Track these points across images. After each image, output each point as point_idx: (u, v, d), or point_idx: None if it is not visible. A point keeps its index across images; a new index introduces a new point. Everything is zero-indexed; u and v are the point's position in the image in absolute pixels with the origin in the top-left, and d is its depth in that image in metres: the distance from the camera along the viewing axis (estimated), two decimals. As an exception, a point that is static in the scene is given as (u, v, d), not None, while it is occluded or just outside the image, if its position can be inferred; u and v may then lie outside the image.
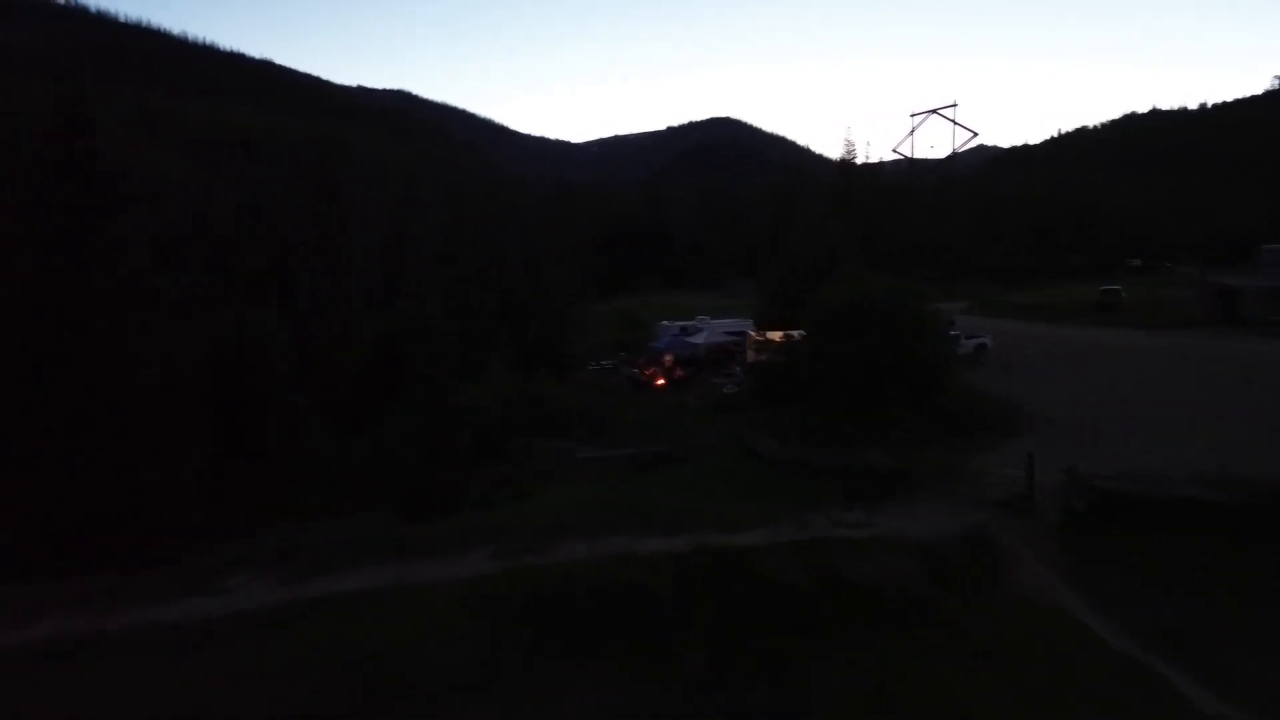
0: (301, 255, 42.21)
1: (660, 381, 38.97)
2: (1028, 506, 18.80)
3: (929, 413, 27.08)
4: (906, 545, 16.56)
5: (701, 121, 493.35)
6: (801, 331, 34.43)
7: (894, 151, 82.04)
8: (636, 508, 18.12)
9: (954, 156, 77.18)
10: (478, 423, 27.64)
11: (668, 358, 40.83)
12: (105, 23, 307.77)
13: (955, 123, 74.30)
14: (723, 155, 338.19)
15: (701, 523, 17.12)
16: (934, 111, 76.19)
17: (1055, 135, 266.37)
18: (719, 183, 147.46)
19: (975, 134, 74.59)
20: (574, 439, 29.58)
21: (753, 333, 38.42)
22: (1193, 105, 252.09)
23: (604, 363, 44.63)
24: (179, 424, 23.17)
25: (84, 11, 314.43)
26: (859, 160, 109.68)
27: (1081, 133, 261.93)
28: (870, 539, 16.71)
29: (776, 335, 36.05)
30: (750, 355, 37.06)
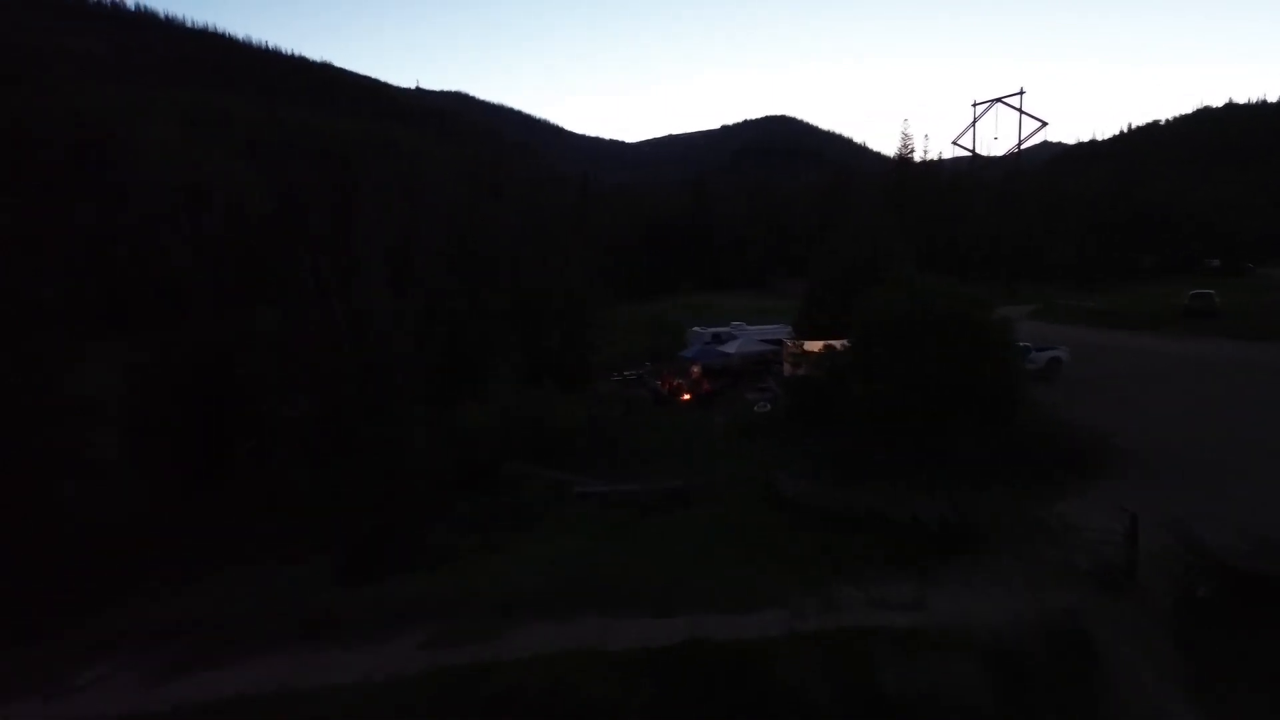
0: (311, 255, 39.63)
1: (685, 396, 35.11)
2: (1129, 582, 14.50)
3: (995, 445, 22.70)
4: (968, 641, 12.50)
5: (756, 120, 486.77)
6: (844, 342, 30.28)
7: (954, 144, 76.24)
8: (623, 575, 14.42)
9: (1020, 148, 71.11)
10: (466, 447, 24.28)
11: (695, 369, 36.90)
12: (172, 28, 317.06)
13: (1022, 111, 68.32)
14: (777, 154, 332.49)
15: (700, 600, 13.33)
16: (999, 100, 70.26)
17: (1124, 131, 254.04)
18: (770, 181, 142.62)
19: (1044, 123, 68.41)
20: (580, 463, 26.05)
21: (789, 341, 34.30)
22: (1272, 98, 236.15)
23: (627, 372, 40.96)
24: (124, 449, 20.38)
25: (153, 17, 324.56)
26: (916, 155, 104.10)
27: (1152, 128, 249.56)
28: (919, 630, 12.69)
29: (815, 346, 31.90)
30: (786, 368, 33.00)
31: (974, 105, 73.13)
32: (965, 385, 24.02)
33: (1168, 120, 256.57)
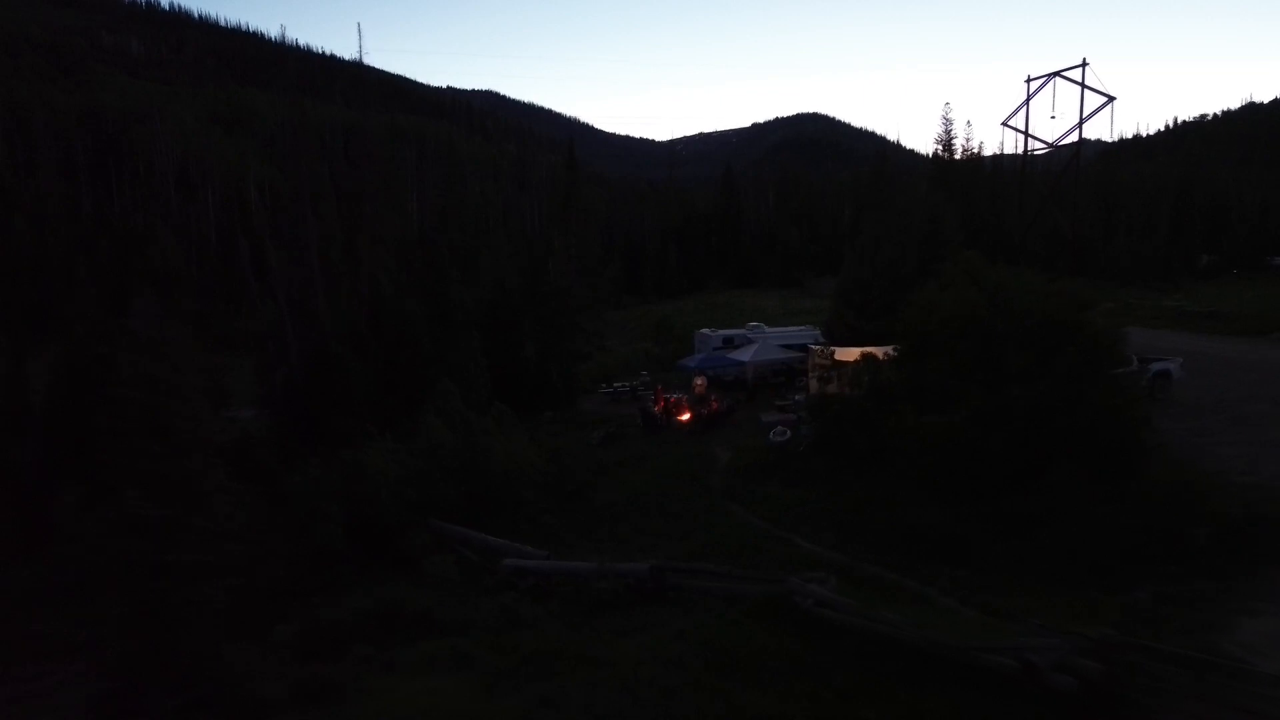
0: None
1: (685, 417, 28.12)
2: None
3: (1123, 513, 15.50)
4: None
5: (788, 117, 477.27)
6: (890, 350, 23.23)
7: (1005, 125, 67.85)
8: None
9: (1082, 127, 62.98)
10: (363, 503, 17.73)
11: (699, 381, 29.90)
12: (206, 26, 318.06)
13: (1085, 86, 60.16)
14: (810, 151, 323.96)
15: None
16: (1057, 74, 62.14)
17: (1171, 125, 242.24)
18: (803, 176, 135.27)
19: (1111, 98, 60.16)
20: (533, 518, 19.41)
21: (817, 349, 27.25)
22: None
23: (617, 385, 34.06)
24: None
25: (188, 16, 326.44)
26: (958, 142, 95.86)
27: (1201, 123, 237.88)
28: None
29: (851, 354, 24.85)
30: (812, 383, 25.97)
31: (1027, 81, 64.99)
32: (1070, 419, 16.85)
33: (1215, 115, 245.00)
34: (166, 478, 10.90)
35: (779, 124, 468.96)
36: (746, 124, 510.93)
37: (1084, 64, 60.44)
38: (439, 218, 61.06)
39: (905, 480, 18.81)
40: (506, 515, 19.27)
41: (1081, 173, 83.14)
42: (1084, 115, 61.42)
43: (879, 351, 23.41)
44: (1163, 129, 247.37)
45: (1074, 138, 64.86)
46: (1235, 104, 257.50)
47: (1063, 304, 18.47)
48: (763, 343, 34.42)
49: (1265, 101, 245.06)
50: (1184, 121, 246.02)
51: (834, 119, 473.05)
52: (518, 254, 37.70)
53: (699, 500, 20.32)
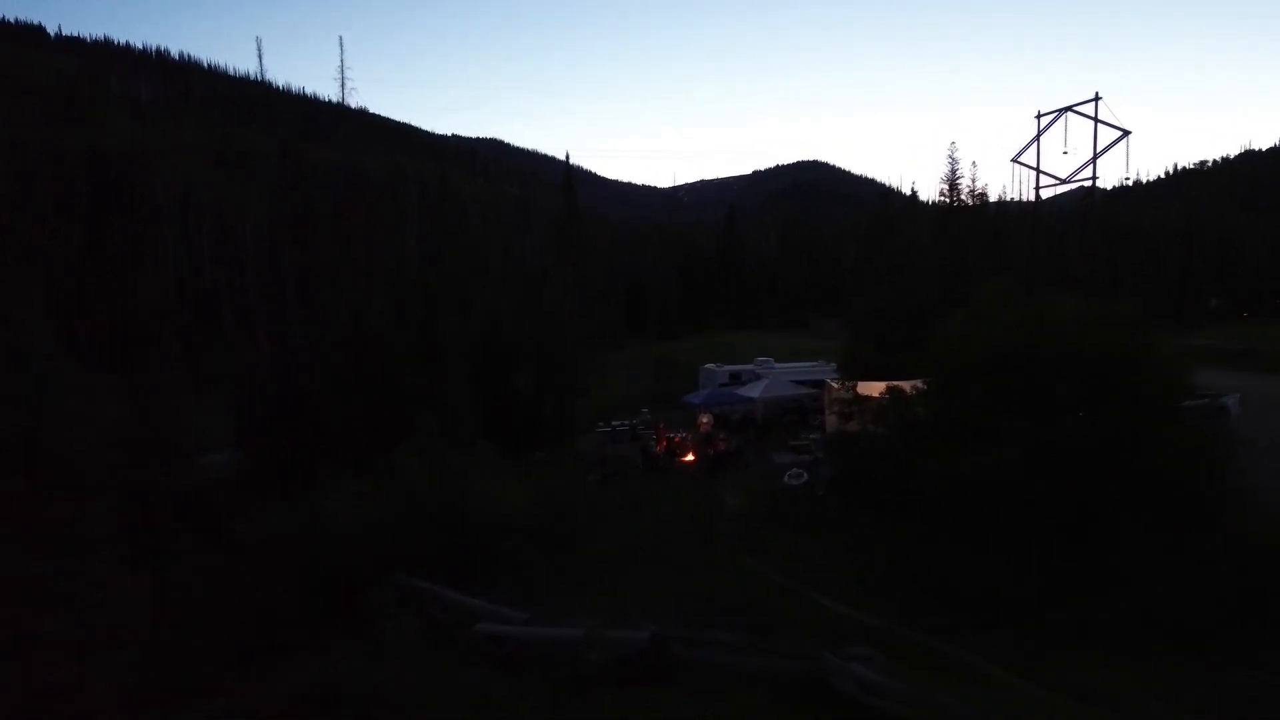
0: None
1: (689, 457, 25.72)
2: None
3: (1206, 561, 13.10)
4: None
5: (788, 165, 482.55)
6: (917, 384, 20.98)
7: (1014, 161, 66.38)
8: None
9: (1096, 162, 61.41)
10: (323, 551, 15.35)
11: (704, 419, 27.58)
12: (214, 75, 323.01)
13: (1098, 120, 58.77)
14: (811, 197, 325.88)
15: None
16: (1069, 109, 60.82)
17: (1172, 170, 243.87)
18: (804, 218, 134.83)
19: (1127, 132, 58.67)
20: (517, 571, 16.93)
21: (834, 383, 24.98)
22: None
23: (616, 423, 31.66)
24: None
25: (197, 64, 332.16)
26: (964, 181, 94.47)
27: (1201, 169, 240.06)
28: None
29: (875, 389, 22.59)
30: (830, 419, 23.68)
31: (1038, 116, 63.67)
32: (1136, 459, 14.52)
33: (1215, 161, 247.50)
34: (38, 524, 8.61)
35: (780, 171, 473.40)
36: (748, 170, 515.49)
37: (1097, 98, 59.18)
38: (436, 253, 59.55)
39: (939, 529, 16.42)
40: (488, 567, 16.82)
41: (1091, 212, 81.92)
42: (1098, 150, 59.79)
43: (907, 385, 21.17)
44: (1163, 175, 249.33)
45: (1088, 173, 63.31)
46: (1234, 150, 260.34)
47: (1121, 330, 16.27)
48: (774, 378, 32.12)
49: (1264, 149, 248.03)
50: (1184, 167, 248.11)
51: (834, 166, 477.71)
52: (512, 284, 35.73)
53: (706, 550, 17.88)
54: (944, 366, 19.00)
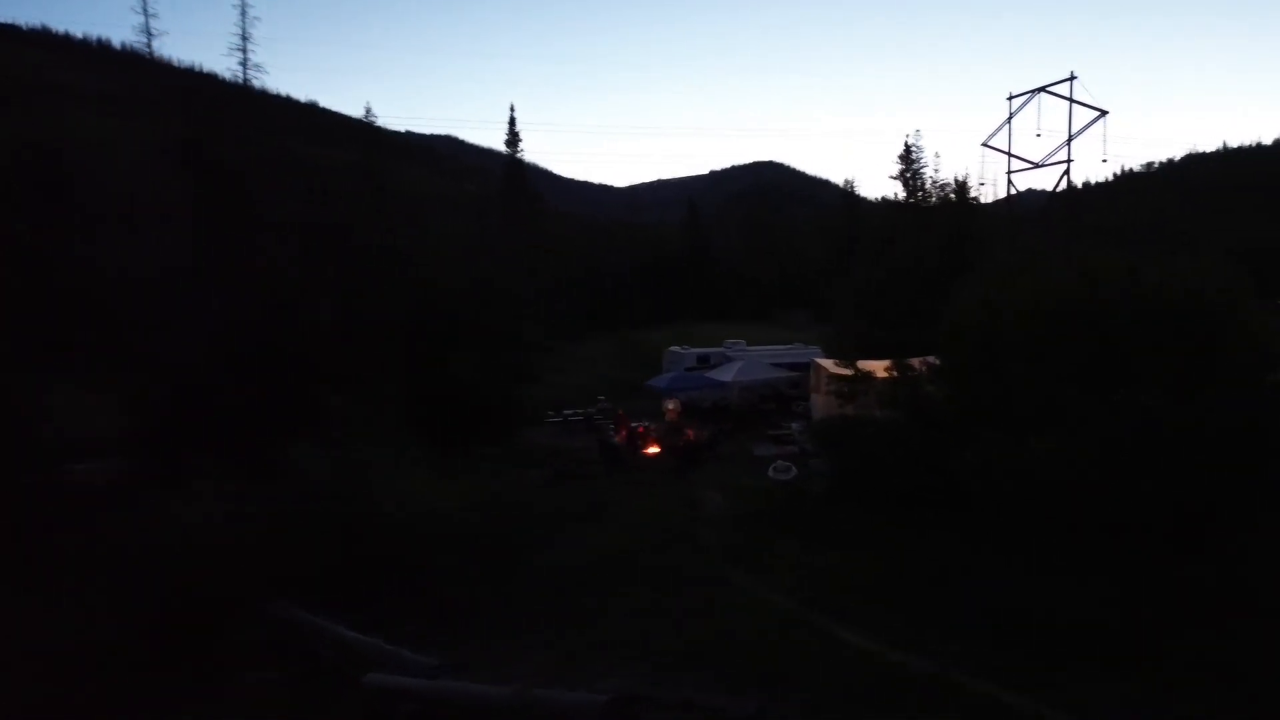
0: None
1: (653, 450, 22.11)
2: None
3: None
4: None
5: (745, 165, 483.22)
6: (930, 360, 17.68)
7: (985, 145, 63.99)
8: None
9: (1071, 144, 59.41)
10: (186, 569, 11.41)
11: (671, 406, 24.05)
12: (165, 67, 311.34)
13: (1073, 100, 56.75)
14: (771, 197, 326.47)
15: None
16: (1042, 89, 58.72)
17: (1119, 173, 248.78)
18: (766, 215, 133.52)
19: (1103, 112, 56.73)
20: (444, 592, 13.18)
21: (824, 363, 21.59)
22: (1267, 140, 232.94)
23: (568, 412, 27.90)
24: None
25: (144, 56, 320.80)
26: (927, 172, 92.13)
27: (1148, 171, 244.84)
28: None
29: (877, 368, 19.25)
30: (819, 402, 20.29)
31: (1009, 99, 61.51)
32: (1238, 453, 11.27)
33: (1159, 164, 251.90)
34: None
35: (737, 171, 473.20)
36: (705, 171, 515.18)
37: (1072, 78, 57.13)
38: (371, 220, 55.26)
39: (984, 535, 13.05)
40: (402, 588, 12.98)
41: (1066, 205, 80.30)
42: (1073, 132, 57.77)
43: (918, 361, 17.85)
44: (1110, 178, 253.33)
45: (1063, 155, 61.37)
46: (1179, 153, 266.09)
47: (1215, 288, 12.97)
48: (749, 360, 28.60)
49: (1209, 150, 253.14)
50: (1130, 170, 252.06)
51: (791, 167, 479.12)
52: (456, 259, 31.73)
53: (687, 564, 14.23)
54: (972, 337, 15.66)
